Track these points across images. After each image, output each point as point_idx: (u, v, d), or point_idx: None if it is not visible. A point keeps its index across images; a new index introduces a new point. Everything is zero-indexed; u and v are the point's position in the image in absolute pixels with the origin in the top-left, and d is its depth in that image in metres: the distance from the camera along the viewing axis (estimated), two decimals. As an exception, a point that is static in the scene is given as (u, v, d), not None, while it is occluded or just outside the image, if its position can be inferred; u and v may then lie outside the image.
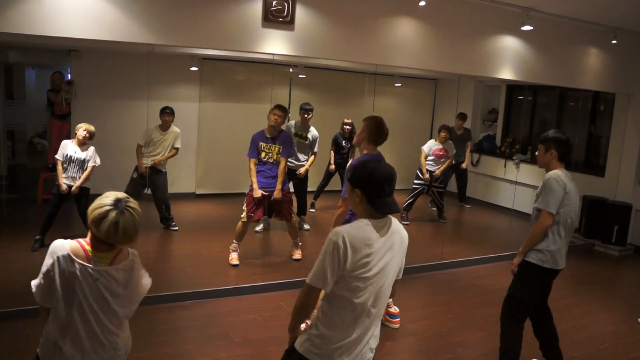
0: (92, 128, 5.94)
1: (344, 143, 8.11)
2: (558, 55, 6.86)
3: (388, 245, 2.35)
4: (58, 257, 2.20)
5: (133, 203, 2.28)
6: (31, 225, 6.48)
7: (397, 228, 2.44)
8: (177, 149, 7.02)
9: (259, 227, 7.29)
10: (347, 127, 8.07)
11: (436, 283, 6.04)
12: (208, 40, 4.95)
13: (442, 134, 8.26)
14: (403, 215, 8.43)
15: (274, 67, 7.16)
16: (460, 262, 6.70)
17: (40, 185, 7.64)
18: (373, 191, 2.33)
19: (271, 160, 5.91)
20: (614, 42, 7.01)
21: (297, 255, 6.23)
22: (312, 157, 7.34)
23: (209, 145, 9.01)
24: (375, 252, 2.28)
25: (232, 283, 5.40)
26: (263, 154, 5.90)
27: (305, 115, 7.15)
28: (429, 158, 8.34)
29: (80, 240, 2.28)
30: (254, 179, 5.85)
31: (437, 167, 8.32)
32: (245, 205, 5.90)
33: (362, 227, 2.30)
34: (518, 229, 8.88)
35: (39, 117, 8.78)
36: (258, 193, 5.79)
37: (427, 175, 8.28)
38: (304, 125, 7.23)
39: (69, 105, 7.84)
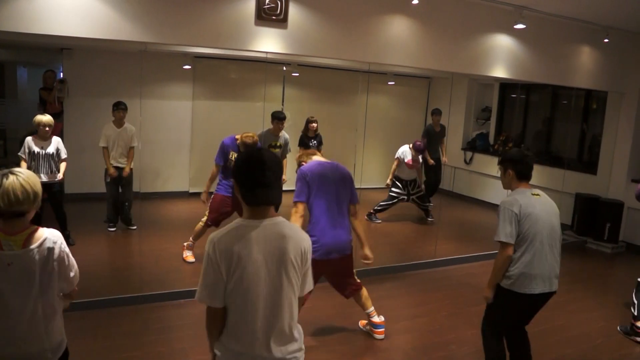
0: (50, 119, 5.83)
1: (310, 143, 7.86)
2: (551, 53, 6.89)
3: (268, 251, 2.09)
4: None
5: (23, 171, 2.22)
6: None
7: (285, 233, 2.14)
8: (132, 147, 6.83)
9: None
10: (314, 124, 7.84)
11: (429, 281, 6.06)
12: (201, 39, 4.93)
13: (417, 152, 8.13)
14: (372, 213, 8.35)
15: (267, 66, 7.16)
16: (453, 259, 6.72)
17: None
18: (243, 182, 2.12)
19: None
20: (606, 40, 7.04)
21: None
22: (285, 160, 7.17)
23: (202, 143, 8.99)
24: (247, 259, 2.05)
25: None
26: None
27: (280, 126, 6.97)
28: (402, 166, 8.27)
29: None
30: (209, 183, 5.94)
31: (409, 175, 8.27)
32: (207, 211, 5.88)
33: (234, 228, 2.10)
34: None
35: (31, 115, 8.68)
36: (205, 196, 5.93)
37: (388, 182, 8.28)
38: (276, 134, 7.05)
39: (61, 103, 7.80)
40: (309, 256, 2.23)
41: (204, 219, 5.91)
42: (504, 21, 6.28)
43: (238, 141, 5.67)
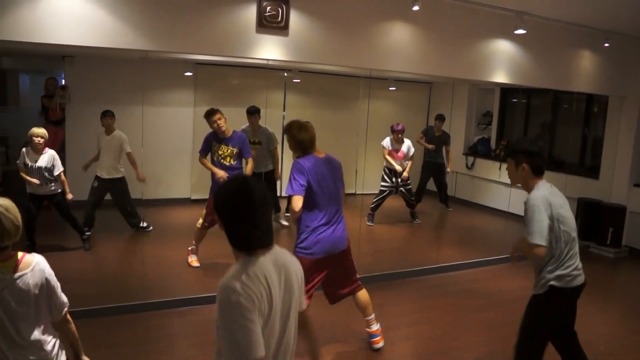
0: (43, 131, 5.85)
1: None
2: (551, 58, 6.89)
3: (281, 283, 1.97)
4: None
5: (1, 202, 2.23)
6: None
7: (284, 261, 2.02)
8: (129, 153, 6.82)
9: None
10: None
11: (431, 287, 6.04)
12: (202, 46, 4.94)
13: (397, 136, 8.21)
14: (370, 214, 8.41)
15: (269, 72, 7.16)
16: (456, 265, 6.70)
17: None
18: (232, 224, 1.91)
19: (226, 163, 5.88)
20: (606, 45, 7.04)
21: None
22: (276, 151, 7.34)
23: (204, 150, 8.99)
24: (267, 297, 1.89)
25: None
26: (216, 155, 5.89)
27: (253, 120, 7.05)
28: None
29: None
30: (212, 167, 5.88)
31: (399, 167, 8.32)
32: (205, 211, 5.93)
33: (248, 268, 1.89)
34: (513, 231, 8.89)
35: (33, 123, 8.68)
36: (221, 173, 5.79)
37: (398, 167, 8.20)
38: (254, 130, 7.12)
39: (63, 110, 7.82)
40: (301, 281, 2.12)
41: (200, 220, 5.94)
42: (505, 26, 6.29)
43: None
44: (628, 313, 5.57)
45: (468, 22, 6.15)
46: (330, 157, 4.16)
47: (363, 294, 4.31)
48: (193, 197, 9.07)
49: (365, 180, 8.25)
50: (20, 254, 2.30)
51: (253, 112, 7.08)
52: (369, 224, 8.40)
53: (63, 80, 8.20)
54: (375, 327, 4.39)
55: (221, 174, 5.78)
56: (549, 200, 3.18)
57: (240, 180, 1.96)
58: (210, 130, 5.94)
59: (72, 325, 2.51)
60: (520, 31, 6.16)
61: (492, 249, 7.38)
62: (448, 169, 9.07)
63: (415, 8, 5.56)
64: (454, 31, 6.09)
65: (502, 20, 6.25)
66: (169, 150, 8.59)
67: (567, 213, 3.28)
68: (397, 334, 4.72)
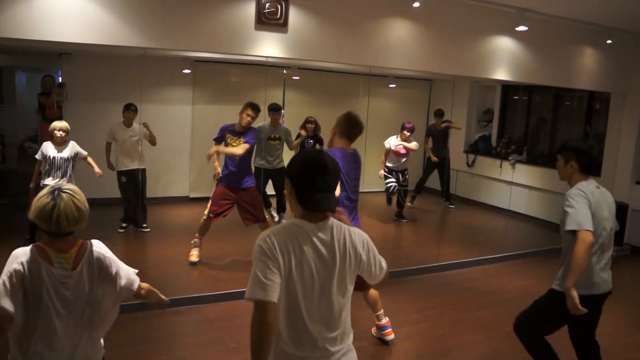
0: (64, 125, 5.90)
1: (310, 141, 8.17)
2: (553, 55, 6.84)
3: (324, 252, 2.09)
4: (22, 262, 2.14)
5: (72, 187, 2.23)
6: (23, 231, 6.39)
7: (344, 236, 2.14)
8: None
9: None
10: (311, 124, 8.03)
11: (431, 285, 6.01)
12: (201, 44, 4.91)
13: (406, 133, 8.19)
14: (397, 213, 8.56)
15: (268, 69, 7.12)
16: (456, 264, 6.67)
17: (31, 190, 7.56)
18: (302, 184, 2.09)
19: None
20: (608, 41, 6.99)
21: None
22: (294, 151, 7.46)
23: (202, 148, 8.90)
24: (297, 258, 2.05)
25: (226, 288, 5.34)
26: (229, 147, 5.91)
27: (276, 116, 7.19)
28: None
29: (39, 244, 2.21)
30: (215, 150, 5.92)
31: (399, 166, 8.36)
32: (210, 202, 5.96)
33: (287, 227, 2.10)
34: (514, 229, 8.86)
35: (29, 121, 8.69)
36: (212, 150, 5.92)
37: (381, 172, 8.32)
38: (275, 126, 7.25)
39: (60, 108, 7.75)
40: (365, 250, 2.20)
41: (206, 211, 5.94)
42: (506, 23, 6.24)
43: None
44: (630, 312, 5.53)
45: (469, 19, 6.10)
46: (356, 152, 4.42)
47: (373, 290, 4.36)
48: (192, 196, 9.02)
49: (365, 178, 8.21)
50: (80, 243, 2.27)
51: (277, 110, 7.26)
52: (404, 220, 8.66)
53: (60, 78, 8.14)
54: (385, 319, 4.47)
55: (213, 150, 5.93)
56: (588, 194, 3.17)
57: (316, 151, 2.30)
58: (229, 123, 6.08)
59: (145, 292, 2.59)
60: (522, 28, 6.11)
61: (492, 247, 7.35)
62: (456, 125, 9.12)
63: (416, 4, 5.51)
64: (455, 28, 6.04)
65: (503, 17, 6.20)
66: (167, 149, 8.53)
67: (599, 213, 3.20)
68: (398, 332, 4.67)
